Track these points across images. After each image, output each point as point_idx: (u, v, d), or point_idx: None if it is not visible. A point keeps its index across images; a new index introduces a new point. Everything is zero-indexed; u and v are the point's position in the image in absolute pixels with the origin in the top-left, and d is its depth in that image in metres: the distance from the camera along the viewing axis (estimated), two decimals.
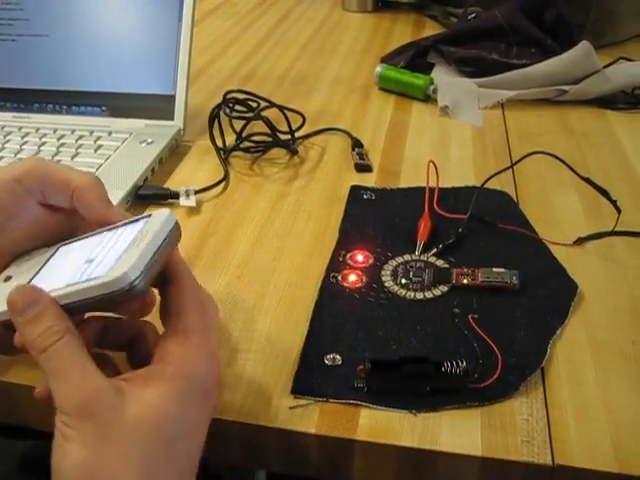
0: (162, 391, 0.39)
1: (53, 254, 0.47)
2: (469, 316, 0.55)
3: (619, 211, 0.67)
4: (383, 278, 0.60)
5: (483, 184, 0.71)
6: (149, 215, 0.44)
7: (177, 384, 0.40)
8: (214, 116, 0.85)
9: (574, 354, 0.53)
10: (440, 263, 0.62)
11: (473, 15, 1.19)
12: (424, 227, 0.65)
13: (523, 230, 0.66)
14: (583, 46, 0.97)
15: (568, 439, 0.46)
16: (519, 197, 0.73)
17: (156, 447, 0.38)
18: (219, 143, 0.83)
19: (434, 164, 0.71)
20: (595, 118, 0.93)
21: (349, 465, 0.48)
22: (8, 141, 0.83)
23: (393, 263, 0.62)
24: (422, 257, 0.63)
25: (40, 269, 0.45)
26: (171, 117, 0.85)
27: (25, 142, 0.82)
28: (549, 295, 0.58)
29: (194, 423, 0.41)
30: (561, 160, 0.71)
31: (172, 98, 0.85)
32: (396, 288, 0.59)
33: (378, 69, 1.02)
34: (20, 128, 0.86)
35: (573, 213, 0.70)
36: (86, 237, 0.46)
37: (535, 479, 0.45)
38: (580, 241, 0.65)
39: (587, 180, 0.69)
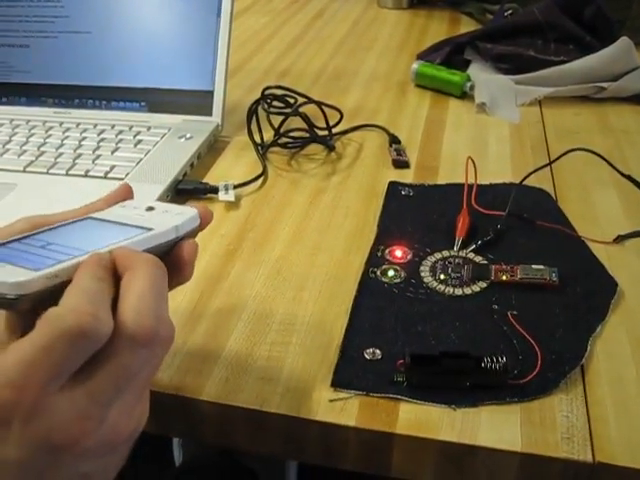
0: None
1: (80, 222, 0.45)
2: (508, 312, 0.55)
3: None
4: (422, 274, 0.60)
5: (522, 181, 0.71)
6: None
7: None
8: (252, 112, 0.85)
9: (614, 351, 0.53)
10: (479, 259, 0.62)
11: (510, 12, 1.18)
12: (462, 223, 0.65)
13: (562, 227, 0.66)
14: (623, 42, 0.96)
15: (608, 436, 0.46)
16: (557, 194, 0.73)
17: None
18: (257, 139, 0.84)
19: (472, 160, 0.71)
20: (634, 115, 0.92)
21: (388, 458, 0.48)
22: (50, 136, 0.84)
23: (432, 259, 0.62)
24: (461, 253, 0.63)
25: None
26: (209, 113, 0.86)
27: (66, 137, 0.84)
28: (589, 293, 0.58)
29: None
30: (602, 157, 0.70)
31: (210, 94, 0.86)
32: (435, 284, 0.59)
33: (415, 66, 1.02)
34: (61, 123, 0.87)
35: (612, 211, 0.70)
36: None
37: (575, 476, 0.45)
38: (620, 239, 0.65)
39: (628, 177, 0.68)
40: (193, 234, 0.44)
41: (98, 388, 0.35)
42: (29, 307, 0.36)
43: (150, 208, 0.46)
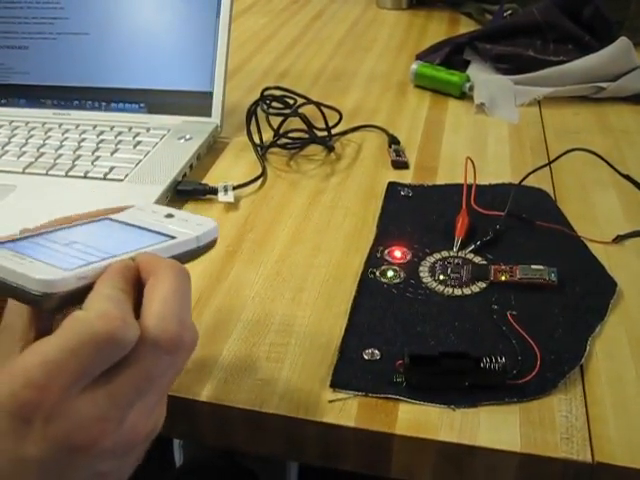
0: None
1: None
2: (507, 313, 0.55)
3: None
4: (421, 274, 0.60)
5: (521, 181, 0.71)
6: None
7: None
8: (251, 113, 0.85)
9: (614, 351, 0.53)
10: (478, 260, 0.62)
11: (509, 12, 1.18)
12: (462, 223, 0.65)
13: (561, 228, 0.66)
14: (622, 42, 0.96)
15: (608, 436, 0.46)
16: (557, 194, 0.73)
17: None
18: (256, 140, 0.84)
19: (472, 161, 0.71)
20: (634, 115, 0.92)
21: (387, 459, 0.48)
22: (49, 137, 0.84)
23: (431, 259, 0.62)
24: (460, 253, 0.63)
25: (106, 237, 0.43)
26: (209, 114, 0.86)
27: (65, 138, 0.84)
28: (588, 293, 0.58)
29: None
30: (601, 157, 0.70)
31: (210, 95, 0.86)
32: (434, 284, 0.59)
33: (414, 66, 1.02)
34: (60, 125, 0.87)
35: (612, 211, 0.70)
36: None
37: (574, 476, 0.45)
38: (619, 239, 0.65)
39: (627, 177, 0.68)
40: (211, 246, 0.44)
41: (119, 391, 0.35)
42: (53, 308, 0.36)
43: (169, 215, 0.45)
